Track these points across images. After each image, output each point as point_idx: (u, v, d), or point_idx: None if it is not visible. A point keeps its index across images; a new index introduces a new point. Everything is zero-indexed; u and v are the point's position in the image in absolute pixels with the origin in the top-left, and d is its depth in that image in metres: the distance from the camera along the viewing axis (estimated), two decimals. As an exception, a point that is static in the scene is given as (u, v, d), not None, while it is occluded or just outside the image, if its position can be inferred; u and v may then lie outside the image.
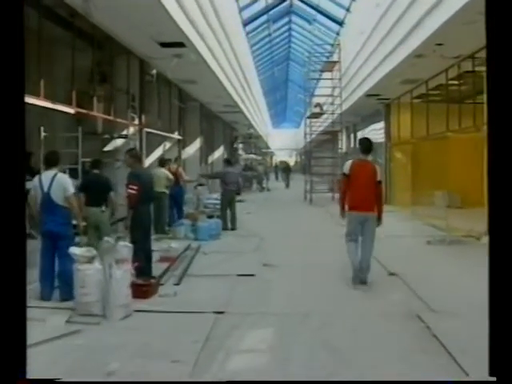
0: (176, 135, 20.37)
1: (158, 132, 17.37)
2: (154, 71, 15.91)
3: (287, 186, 40.35)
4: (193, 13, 12.95)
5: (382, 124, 26.09)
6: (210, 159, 33.60)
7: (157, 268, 9.23)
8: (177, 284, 8.66)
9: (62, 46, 12.27)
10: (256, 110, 40.09)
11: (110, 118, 13.56)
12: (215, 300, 7.61)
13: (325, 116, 28.05)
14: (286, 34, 39.24)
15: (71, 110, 11.31)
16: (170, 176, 14.30)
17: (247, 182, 38.57)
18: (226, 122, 35.36)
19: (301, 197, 27.40)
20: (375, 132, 28.09)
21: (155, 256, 9.98)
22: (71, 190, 7.81)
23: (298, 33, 37.42)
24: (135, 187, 8.51)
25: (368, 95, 22.14)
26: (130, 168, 8.99)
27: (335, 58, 26.51)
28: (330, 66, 26.46)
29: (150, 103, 17.87)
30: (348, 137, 28.86)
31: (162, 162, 15.13)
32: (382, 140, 25.89)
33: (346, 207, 8.71)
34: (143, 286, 7.64)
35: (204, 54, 15.30)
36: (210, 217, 16.49)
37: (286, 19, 35.95)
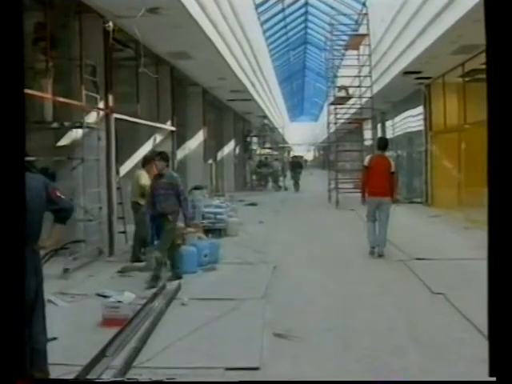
0: (167, 126, 16.24)
1: (137, 120, 13.27)
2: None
3: (296, 187, 31.95)
4: None
5: (419, 109, 21.94)
6: (220, 155, 29.61)
7: (90, 340, 5.45)
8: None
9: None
10: (271, 98, 35.78)
11: (62, 100, 9.56)
12: None
13: (351, 102, 23.74)
14: (303, 10, 34.52)
15: None
16: (143, 181, 10.20)
17: (262, 181, 34.45)
18: (236, 112, 31.22)
19: (324, 197, 23.18)
20: (410, 119, 23.92)
21: (97, 316, 6.17)
22: None
23: (317, 8, 32.74)
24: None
25: (406, 73, 17.92)
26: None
27: (362, 31, 22.26)
28: (356, 40, 22.13)
29: (125, 82, 13.97)
30: (375, 127, 24.68)
31: (145, 159, 11.05)
32: (420, 128, 21.74)
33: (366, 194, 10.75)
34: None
35: (194, 12, 11.22)
36: (209, 231, 12.55)
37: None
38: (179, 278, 8.60)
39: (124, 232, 12.27)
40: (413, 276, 8.69)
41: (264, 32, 30.90)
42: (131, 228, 12.08)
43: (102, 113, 10.75)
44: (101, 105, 10.75)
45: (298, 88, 66.89)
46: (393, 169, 10.64)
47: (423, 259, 9.90)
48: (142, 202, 10.28)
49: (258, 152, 38.71)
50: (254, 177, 34.92)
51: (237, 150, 32.58)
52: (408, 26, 15.63)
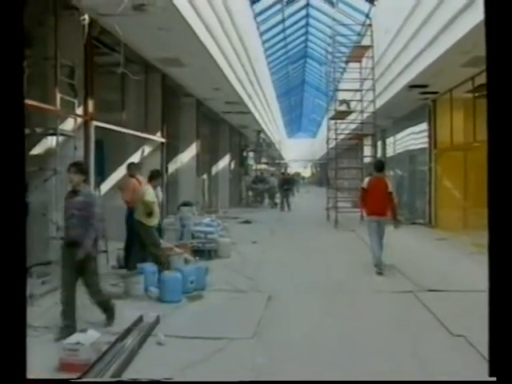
0: (156, 137, 15.18)
1: (120, 129, 12.23)
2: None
3: (283, 207, 29.07)
4: None
5: (422, 126, 20.96)
6: (215, 170, 28.55)
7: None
8: None
9: None
10: (268, 112, 34.77)
11: (32, 103, 8.47)
12: None
13: (352, 117, 22.74)
14: (304, 21, 33.47)
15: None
16: (148, 197, 9.38)
17: (258, 197, 33.29)
18: (232, 126, 30.19)
19: (321, 215, 22.08)
20: (413, 136, 22.93)
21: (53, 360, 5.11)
22: None
23: (318, 20, 31.69)
24: None
25: (411, 86, 16.89)
26: None
27: (365, 43, 21.31)
28: (358, 53, 21.18)
29: (112, 89, 13.00)
30: (375, 144, 23.70)
31: (152, 174, 10.12)
32: (423, 146, 20.74)
33: (365, 213, 11.82)
34: None
35: (185, 12, 10.23)
36: (199, 252, 11.52)
37: (302, 1, 30.24)
38: (110, 323, 6.77)
39: (105, 251, 11.20)
40: (426, 312, 7.60)
41: (263, 43, 29.94)
42: (114, 246, 11.06)
43: (79, 120, 9.69)
44: (79, 111, 9.70)
45: (296, 103, 65.85)
46: (390, 189, 11.05)
47: (435, 291, 8.82)
48: (148, 221, 9.32)
49: (254, 167, 37.62)
50: (250, 193, 33.64)
51: (232, 165, 31.53)
52: (416, 35, 14.62)
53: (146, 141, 14.91)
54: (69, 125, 9.55)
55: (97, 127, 10.29)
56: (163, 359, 5.60)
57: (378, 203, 10.79)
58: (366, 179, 11.59)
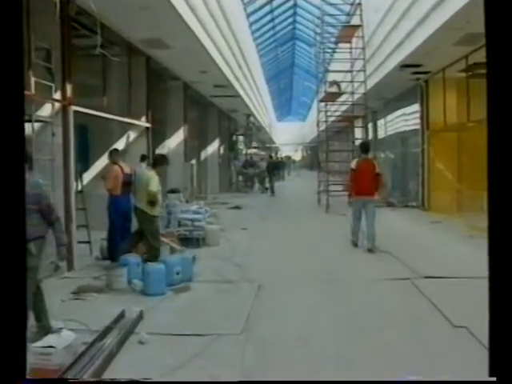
0: (140, 122, 14.70)
1: (101, 114, 11.75)
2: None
3: (268, 191, 29.13)
4: None
5: (414, 107, 20.59)
6: (204, 155, 28.06)
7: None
8: None
9: None
10: (257, 96, 34.22)
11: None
12: None
13: (342, 99, 22.29)
14: (292, 2, 32.60)
15: None
16: (152, 187, 8.95)
17: (248, 182, 32.83)
18: (221, 110, 29.65)
19: (312, 199, 21.74)
20: (404, 118, 22.53)
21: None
22: None
23: (306, 0, 31.01)
24: None
25: (403, 66, 16.47)
26: None
27: (354, 22, 20.80)
28: (348, 32, 20.66)
29: (93, 73, 12.52)
30: (365, 127, 23.27)
31: (156, 159, 9.78)
32: (415, 127, 20.37)
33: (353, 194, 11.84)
34: None
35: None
36: (186, 240, 11.15)
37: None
38: (47, 332, 5.51)
39: (88, 242, 10.79)
40: (425, 301, 7.23)
41: (250, 25, 29.34)
42: (97, 236, 10.62)
43: (57, 105, 9.20)
44: (57, 96, 9.21)
45: (286, 86, 65.24)
46: (377, 170, 11.55)
47: (433, 277, 8.45)
48: (151, 210, 8.88)
49: (244, 152, 37.11)
50: (240, 178, 33.13)
51: (222, 150, 31.04)
52: (407, 12, 14.18)
53: (131, 126, 14.44)
54: (46, 110, 9.06)
55: (77, 113, 9.81)
56: (142, 361, 5.18)
57: (366, 184, 11.26)
58: (354, 160, 12.07)
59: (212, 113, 28.66)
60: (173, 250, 9.69)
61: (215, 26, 15.22)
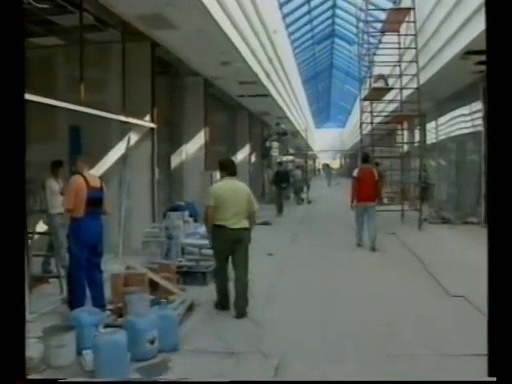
0: (145, 122, 11.94)
1: (80, 108, 8.96)
2: None
3: (279, 210, 22.28)
4: None
5: (472, 107, 17.51)
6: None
7: None
8: None
9: None
10: (292, 98, 31.19)
11: None
12: None
13: (389, 96, 19.16)
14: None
15: None
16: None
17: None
18: (253, 113, 26.80)
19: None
20: (462, 119, 19.41)
21: None
22: None
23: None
24: None
25: (467, 53, 13.43)
26: None
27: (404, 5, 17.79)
28: (396, 18, 17.54)
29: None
30: (423, 126, 20.22)
31: (224, 164, 7.43)
32: (475, 130, 17.31)
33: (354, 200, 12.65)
34: None
35: None
36: (189, 276, 8.39)
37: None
38: None
39: (57, 277, 8.13)
40: None
41: (284, 17, 26.42)
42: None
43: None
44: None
45: (324, 90, 61.87)
46: (376, 178, 12.69)
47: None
48: None
49: (278, 159, 33.90)
50: (274, 188, 29.71)
51: (253, 157, 28.19)
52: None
53: (132, 126, 11.74)
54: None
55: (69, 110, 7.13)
56: None
57: (367, 190, 12.40)
58: (356, 169, 13.22)
59: (241, 115, 25.89)
60: (169, 300, 6.79)
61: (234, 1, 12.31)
